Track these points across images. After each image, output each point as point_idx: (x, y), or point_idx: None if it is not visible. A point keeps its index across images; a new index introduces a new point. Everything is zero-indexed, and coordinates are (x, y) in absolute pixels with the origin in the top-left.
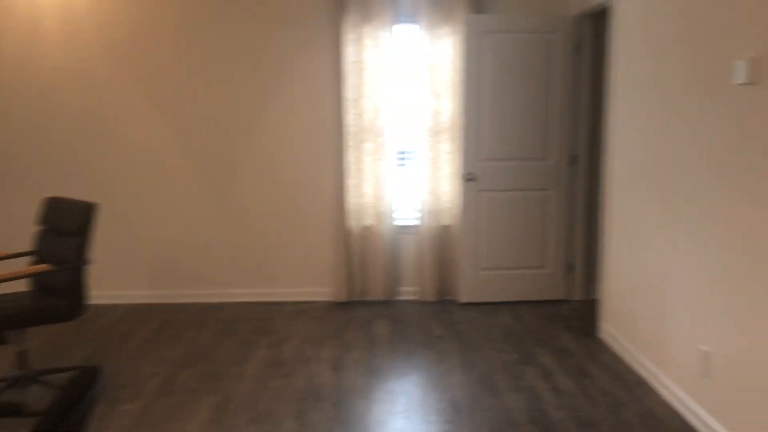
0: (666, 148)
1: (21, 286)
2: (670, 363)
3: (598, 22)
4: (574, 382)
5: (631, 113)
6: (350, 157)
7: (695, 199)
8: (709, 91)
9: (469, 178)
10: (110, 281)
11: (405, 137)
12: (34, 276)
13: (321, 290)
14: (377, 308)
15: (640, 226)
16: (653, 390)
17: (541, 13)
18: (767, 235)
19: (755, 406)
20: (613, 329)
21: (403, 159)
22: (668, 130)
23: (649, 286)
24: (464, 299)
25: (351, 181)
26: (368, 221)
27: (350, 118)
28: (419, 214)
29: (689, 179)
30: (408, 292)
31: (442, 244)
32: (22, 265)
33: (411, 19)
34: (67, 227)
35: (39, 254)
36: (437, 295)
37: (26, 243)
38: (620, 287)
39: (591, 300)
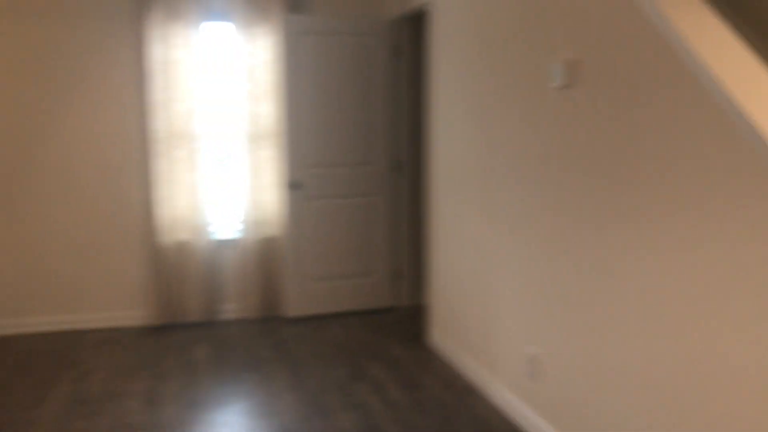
0: (487, 152)
1: None
2: (500, 367)
3: (416, 25)
4: (407, 394)
5: (452, 118)
6: (160, 166)
7: (517, 202)
8: (528, 95)
9: (293, 186)
10: None
11: (223, 143)
12: None
13: (132, 314)
14: (197, 330)
15: (465, 230)
16: (484, 395)
17: (361, 15)
18: (586, 237)
19: (582, 406)
20: (442, 335)
21: (221, 167)
22: (489, 134)
23: (476, 291)
24: (292, 314)
25: (162, 193)
26: (183, 236)
27: (159, 123)
28: (241, 226)
29: (510, 183)
30: (231, 310)
31: (266, 257)
32: None
33: (224, 17)
34: None
35: None
36: (263, 311)
37: None
38: (448, 292)
39: (420, 306)
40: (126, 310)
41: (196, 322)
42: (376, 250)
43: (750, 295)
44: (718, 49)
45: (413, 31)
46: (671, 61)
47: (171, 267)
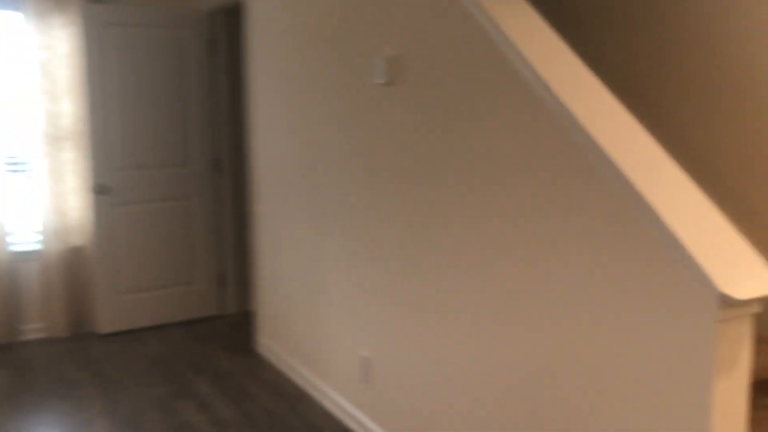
0: (311, 151)
1: None
2: (332, 371)
3: (233, 18)
4: (235, 408)
5: (274, 115)
6: None
7: (342, 203)
8: (352, 92)
9: (100, 191)
10: None
11: (17, 145)
12: None
13: None
14: None
15: (291, 232)
16: (316, 402)
17: (171, 6)
18: (411, 237)
19: (414, 408)
20: (271, 342)
21: (15, 171)
22: (312, 132)
23: (304, 294)
24: (105, 330)
25: None
26: None
27: None
28: (42, 236)
29: (335, 183)
30: (35, 329)
31: (73, 269)
32: None
33: (13, 5)
34: None
35: None
36: (71, 329)
37: None
38: (276, 297)
39: (247, 312)
40: None
41: None
42: (198, 256)
43: (574, 291)
44: (540, 46)
45: (230, 24)
46: (493, 58)
47: None
